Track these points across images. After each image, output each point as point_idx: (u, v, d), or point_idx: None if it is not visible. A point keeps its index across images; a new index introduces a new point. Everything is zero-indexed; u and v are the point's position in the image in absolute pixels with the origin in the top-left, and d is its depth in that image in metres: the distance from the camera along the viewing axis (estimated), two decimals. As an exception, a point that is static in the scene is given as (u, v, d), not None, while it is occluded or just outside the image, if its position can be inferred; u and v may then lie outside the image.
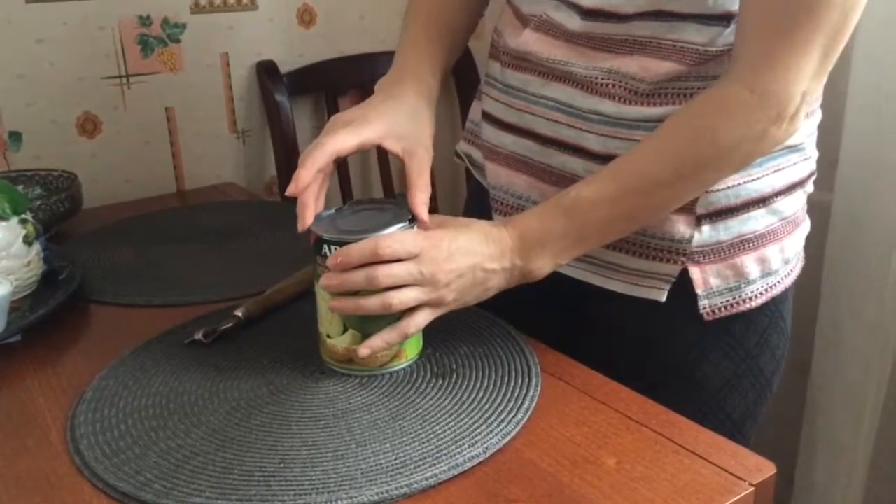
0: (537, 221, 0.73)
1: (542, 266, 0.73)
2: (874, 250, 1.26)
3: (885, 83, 1.21)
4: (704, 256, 0.78)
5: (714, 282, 0.79)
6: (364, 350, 0.71)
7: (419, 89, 0.82)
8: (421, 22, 0.89)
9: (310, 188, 0.72)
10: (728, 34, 0.71)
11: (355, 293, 0.70)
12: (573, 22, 0.78)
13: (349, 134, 0.74)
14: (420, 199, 0.74)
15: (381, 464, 0.61)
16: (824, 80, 0.70)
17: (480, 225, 0.74)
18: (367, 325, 0.72)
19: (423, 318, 0.71)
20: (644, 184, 0.71)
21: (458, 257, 0.70)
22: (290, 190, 0.72)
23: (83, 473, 0.63)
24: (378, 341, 0.71)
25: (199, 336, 0.81)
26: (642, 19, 0.73)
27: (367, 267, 0.68)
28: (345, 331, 0.73)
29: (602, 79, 0.76)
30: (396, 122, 0.77)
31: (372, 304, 0.69)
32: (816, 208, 0.87)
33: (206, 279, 0.99)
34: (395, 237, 0.69)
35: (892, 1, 1.17)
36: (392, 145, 0.76)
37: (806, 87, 0.67)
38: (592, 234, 0.74)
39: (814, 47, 0.65)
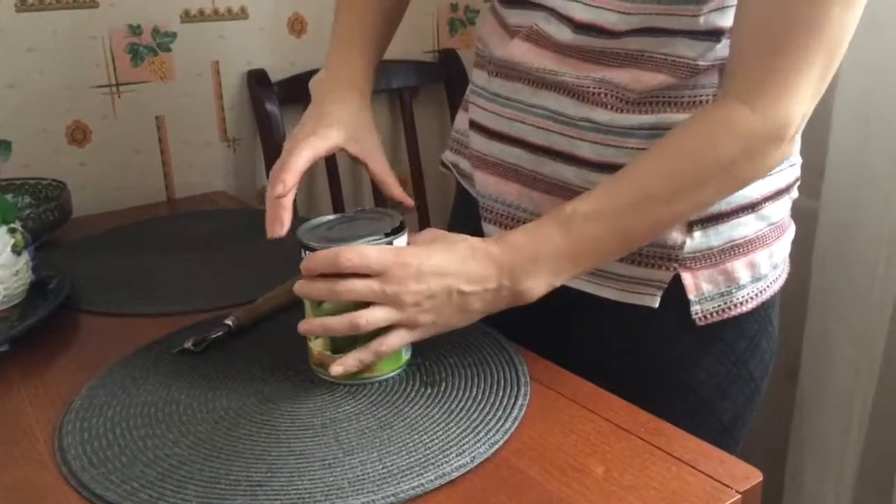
0: (529, 238, 0.70)
1: (534, 287, 0.70)
2: (861, 258, 1.27)
3: (871, 91, 1.22)
4: (696, 262, 0.79)
5: (706, 287, 0.79)
6: (337, 368, 0.70)
7: (360, 94, 0.84)
8: (355, 16, 0.90)
9: (289, 194, 0.74)
10: (719, 49, 0.72)
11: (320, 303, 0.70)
12: (564, 35, 0.78)
13: (318, 139, 0.77)
14: (399, 191, 0.77)
15: (367, 473, 0.61)
16: (817, 101, 0.69)
17: (466, 244, 0.71)
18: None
19: (396, 339, 0.69)
20: (641, 200, 0.69)
21: (429, 278, 0.67)
22: (279, 191, 0.72)
23: (70, 483, 0.63)
24: (351, 360, 0.70)
25: (188, 345, 0.81)
26: (634, 35, 0.74)
27: (329, 279, 0.68)
28: (317, 336, 0.73)
29: (593, 88, 0.76)
30: (351, 126, 0.80)
31: (339, 324, 0.68)
32: (803, 216, 0.88)
33: (196, 288, 0.99)
34: (359, 250, 0.67)
35: (878, 9, 1.18)
36: (353, 148, 0.79)
37: (806, 107, 0.67)
38: (586, 252, 0.71)
39: (814, 67, 0.65)
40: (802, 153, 0.86)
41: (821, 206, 1.32)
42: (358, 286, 0.67)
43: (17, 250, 0.90)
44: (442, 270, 0.68)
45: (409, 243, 0.73)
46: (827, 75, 0.67)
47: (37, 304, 0.90)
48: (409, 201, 0.76)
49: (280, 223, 0.72)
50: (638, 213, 0.69)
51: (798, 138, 0.82)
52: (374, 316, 0.67)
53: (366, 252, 0.67)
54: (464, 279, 0.68)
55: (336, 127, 0.79)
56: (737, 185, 0.72)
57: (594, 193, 0.70)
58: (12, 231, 0.90)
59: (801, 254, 0.89)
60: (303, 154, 0.75)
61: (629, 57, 0.75)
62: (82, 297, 0.97)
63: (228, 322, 0.84)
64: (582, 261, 0.71)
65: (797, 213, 0.88)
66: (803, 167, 0.86)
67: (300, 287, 0.70)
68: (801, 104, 0.67)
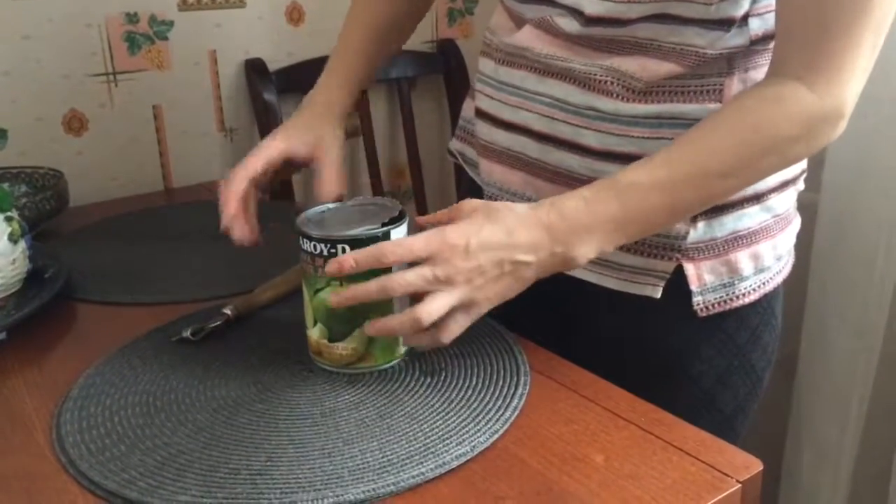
0: (584, 207, 0.69)
1: (586, 252, 0.69)
2: (860, 251, 1.27)
3: (871, 85, 1.21)
4: (699, 253, 0.79)
5: (708, 278, 0.79)
6: (370, 329, 0.69)
7: (326, 109, 0.92)
8: (350, 40, 0.96)
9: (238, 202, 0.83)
10: (728, 38, 0.72)
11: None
12: (573, 27, 0.78)
13: (253, 157, 0.85)
14: (329, 188, 0.86)
15: (368, 462, 0.61)
16: (866, 78, 0.70)
17: (514, 214, 0.68)
18: (331, 321, 0.72)
19: (459, 325, 0.68)
20: (697, 175, 0.69)
21: (478, 254, 0.66)
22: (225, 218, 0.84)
23: (68, 471, 0.62)
24: (382, 325, 0.69)
25: (187, 334, 0.80)
26: (645, 22, 0.74)
27: (380, 277, 0.67)
28: (315, 323, 0.73)
29: (600, 75, 0.76)
30: (300, 132, 0.88)
31: (401, 322, 0.67)
32: (803, 208, 0.88)
33: (194, 278, 0.99)
34: (401, 241, 0.67)
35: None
36: (300, 151, 0.87)
37: (858, 86, 0.68)
38: (638, 221, 0.70)
39: (865, 46, 0.66)
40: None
41: (820, 198, 1.32)
42: (409, 277, 0.65)
43: (13, 239, 0.89)
44: (490, 244, 0.66)
45: (450, 216, 0.70)
46: (875, 52, 0.68)
47: (33, 293, 0.90)
48: (333, 196, 0.84)
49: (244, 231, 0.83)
50: (692, 187, 0.69)
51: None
52: (435, 307, 0.66)
53: (409, 242, 0.67)
54: (516, 250, 0.67)
55: (279, 136, 0.87)
56: (790, 162, 0.73)
57: (652, 165, 0.69)
58: (9, 220, 0.90)
59: (801, 246, 0.89)
60: (235, 180, 0.84)
61: (638, 45, 0.75)
62: (79, 287, 0.96)
63: (227, 311, 0.83)
64: (632, 229, 0.71)
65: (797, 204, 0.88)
66: (804, 159, 0.86)
67: (342, 297, 0.68)
68: (853, 83, 0.68)
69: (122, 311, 0.91)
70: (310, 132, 0.88)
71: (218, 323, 0.82)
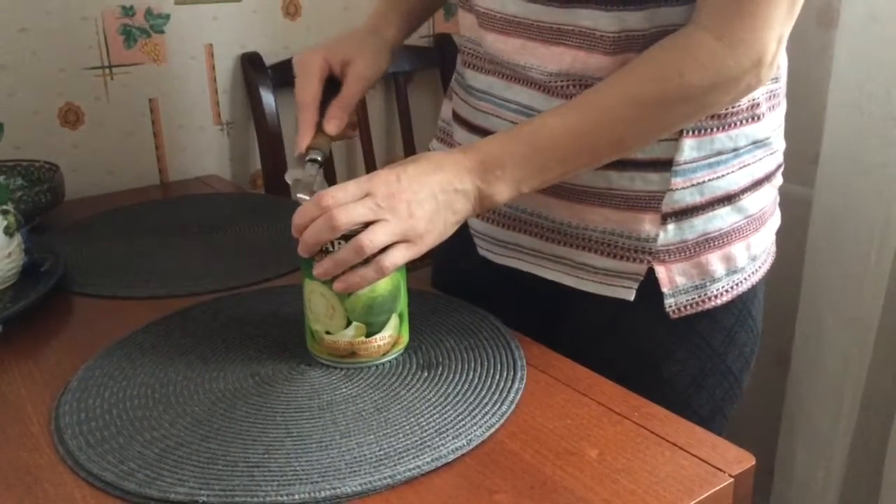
0: (497, 145, 0.72)
1: (502, 191, 0.72)
2: (854, 246, 1.28)
3: (866, 81, 1.22)
4: (670, 255, 0.79)
5: (679, 280, 0.79)
6: (339, 285, 0.69)
7: (373, 31, 0.92)
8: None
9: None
10: (668, 14, 0.71)
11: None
12: (523, 8, 0.77)
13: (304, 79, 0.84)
14: (334, 126, 0.82)
15: (364, 455, 0.62)
16: (793, 22, 0.70)
17: (431, 154, 0.73)
18: (371, 315, 0.72)
19: (399, 255, 0.69)
20: (608, 119, 0.71)
21: (413, 185, 0.68)
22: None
23: (66, 462, 0.63)
24: (355, 277, 0.69)
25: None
26: (583, 7, 0.73)
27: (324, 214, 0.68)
28: (348, 324, 0.73)
29: (559, 82, 0.76)
30: (341, 46, 0.86)
31: (344, 252, 0.68)
32: (797, 203, 0.88)
33: (190, 271, 0.99)
34: (337, 186, 0.68)
35: (874, 3, 1.19)
36: (336, 67, 0.85)
37: (779, 31, 0.68)
38: (553, 164, 0.72)
39: None
40: (797, 140, 0.86)
41: (814, 194, 1.32)
42: (352, 207, 0.67)
43: (9, 232, 0.89)
44: (420, 178, 0.69)
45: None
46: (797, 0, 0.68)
47: (29, 286, 0.90)
48: (333, 129, 0.81)
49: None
50: (604, 132, 0.71)
51: (777, 118, 0.82)
52: (375, 234, 0.67)
53: (344, 185, 0.68)
54: (444, 182, 0.70)
55: (321, 48, 0.85)
56: (708, 110, 0.73)
57: (564, 110, 0.72)
58: (5, 213, 0.90)
59: (795, 241, 0.89)
60: (309, 85, 0.83)
61: (583, 35, 0.74)
62: (75, 280, 0.96)
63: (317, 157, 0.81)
64: (549, 171, 0.73)
65: (791, 200, 0.88)
66: (797, 154, 0.86)
67: (300, 247, 0.69)
68: (772, 29, 0.68)
69: (116, 305, 0.91)
70: (350, 41, 0.87)
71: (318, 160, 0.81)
